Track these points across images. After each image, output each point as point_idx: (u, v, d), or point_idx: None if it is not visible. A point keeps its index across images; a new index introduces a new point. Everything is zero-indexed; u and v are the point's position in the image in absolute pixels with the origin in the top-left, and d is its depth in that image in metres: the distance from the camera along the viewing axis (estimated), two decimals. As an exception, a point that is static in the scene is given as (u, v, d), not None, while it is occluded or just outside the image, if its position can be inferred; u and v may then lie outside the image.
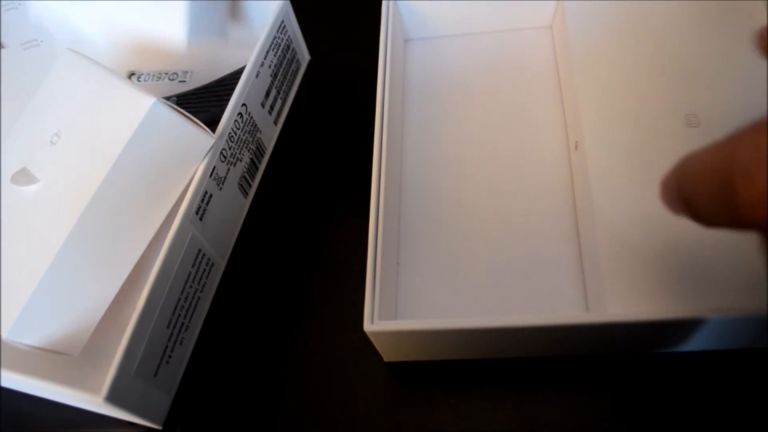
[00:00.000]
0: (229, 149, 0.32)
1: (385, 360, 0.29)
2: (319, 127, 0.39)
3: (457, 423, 0.27)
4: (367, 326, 0.25)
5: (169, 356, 0.28)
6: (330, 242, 0.33)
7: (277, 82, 0.37)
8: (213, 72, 0.40)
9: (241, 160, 0.34)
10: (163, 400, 0.29)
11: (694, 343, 0.26)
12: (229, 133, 0.32)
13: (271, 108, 0.37)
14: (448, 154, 0.34)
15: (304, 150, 0.38)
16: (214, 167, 0.31)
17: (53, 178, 0.28)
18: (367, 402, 0.28)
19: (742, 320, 0.24)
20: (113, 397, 0.24)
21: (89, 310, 0.28)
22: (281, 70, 0.38)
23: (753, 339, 0.26)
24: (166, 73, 0.40)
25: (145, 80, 0.40)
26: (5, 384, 0.28)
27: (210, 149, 0.30)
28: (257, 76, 0.34)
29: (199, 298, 0.31)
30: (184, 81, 0.39)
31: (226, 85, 0.38)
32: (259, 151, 0.36)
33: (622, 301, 0.25)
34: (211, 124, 0.30)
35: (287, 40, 0.38)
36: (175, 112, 0.28)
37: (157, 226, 0.29)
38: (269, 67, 0.36)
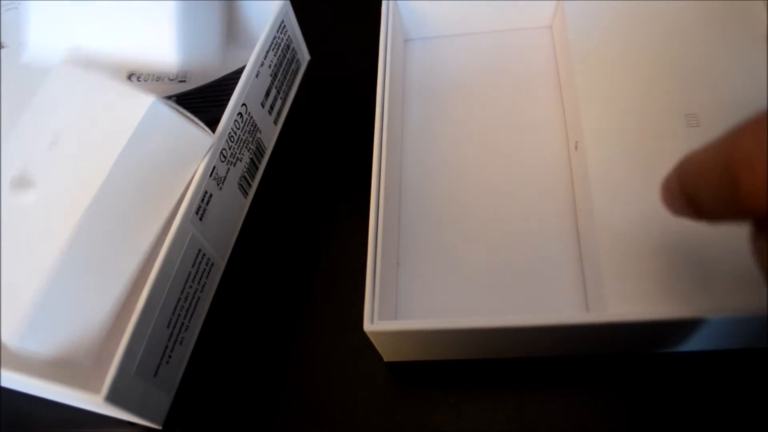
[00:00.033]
0: (229, 149, 0.32)
1: (385, 360, 0.29)
2: (319, 127, 0.39)
3: (457, 423, 0.27)
4: (367, 326, 0.25)
5: (169, 356, 0.28)
6: (330, 242, 0.33)
7: (277, 82, 0.37)
8: (213, 72, 0.40)
9: (241, 160, 0.34)
10: (163, 400, 0.29)
11: (694, 343, 0.26)
12: (229, 133, 0.32)
13: (271, 108, 0.37)
14: (448, 154, 0.34)
15: (304, 150, 0.38)
16: (214, 167, 0.31)
17: (53, 181, 0.28)
18: (367, 402, 0.28)
19: (742, 320, 0.24)
20: (113, 397, 0.24)
21: (98, 315, 0.27)
22: (281, 70, 0.38)
23: (753, 339, 0.26)
24: (167, 73, 0.40)
25: (144, 80, 0.40)
26: (5, 384, 0.28)
27: (210, 149, 0.30)
28: (257, 76, 0.34)
29: (199, 298, 0.31)
30: (184, 81, 0.39)
31: (226, 85, 0.38)
32: (259, 151, 0.36)
33: (622, 301, 0.25)
34: (211, 124, 0.30)
35: (287, 40, 0.38)
36: (175, 112, 0.28)
37: (160, 225, 0.29)
38: (269, 67, 0.36)
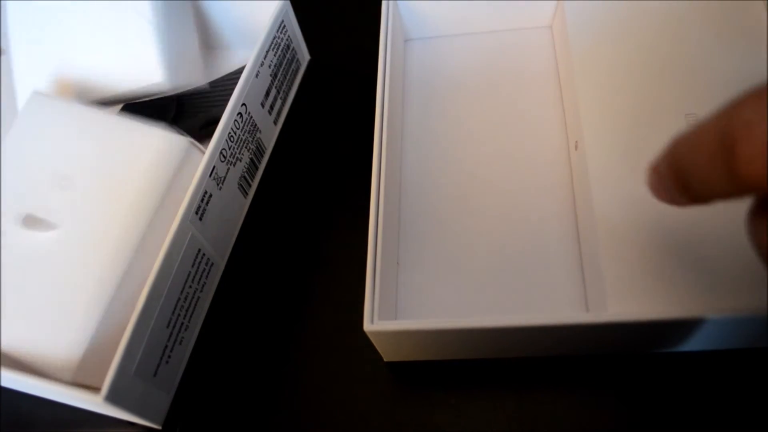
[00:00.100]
0: (229, 149, 0.32)
1: (385, 360, 0.29)
2: (319, 126, 0.39)
3: (457, 423, 0.27)
4: (367, 326, 0.25)
5: (169, 356, 0.28)
6: (330, 242, 0.33)
7: (276, 81, 0.37)
8: (213, 72, 0.40)
9: (240, 160, 0.34)
10: (163, 399, 0.29)
11: (694, 343, 0.26)
12: (229, 132, 0.32)
13: (271, 108, 0.37)
14: (448, 154, 0.34)
15: (304, 150, 0.38)
16: (214, 167, 0.31)
17: (72, 222, 0.28)
18: (367, 402, 0.28)
19: (742, 320, 0.24)
20: (113, 397, 0.24)
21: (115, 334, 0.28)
22: (281, 69, 0.38)
23: (753, 339, 0.26)
24: (155, 92, 0.39)
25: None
26: (5, 384, 0.28)
27: (183, 149, 0.30)
28: (257, 75, 0.34)
29: (198, 298, 0.31)
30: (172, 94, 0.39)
31: (225, 85, 0.38)
32: (259, 151, 0.36)
33: (622, 301, 0.25)
34: (211, 123, 0.30)
35: (287, 40, 0.38)
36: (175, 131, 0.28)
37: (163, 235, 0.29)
38: (269, 66, 0.36)
